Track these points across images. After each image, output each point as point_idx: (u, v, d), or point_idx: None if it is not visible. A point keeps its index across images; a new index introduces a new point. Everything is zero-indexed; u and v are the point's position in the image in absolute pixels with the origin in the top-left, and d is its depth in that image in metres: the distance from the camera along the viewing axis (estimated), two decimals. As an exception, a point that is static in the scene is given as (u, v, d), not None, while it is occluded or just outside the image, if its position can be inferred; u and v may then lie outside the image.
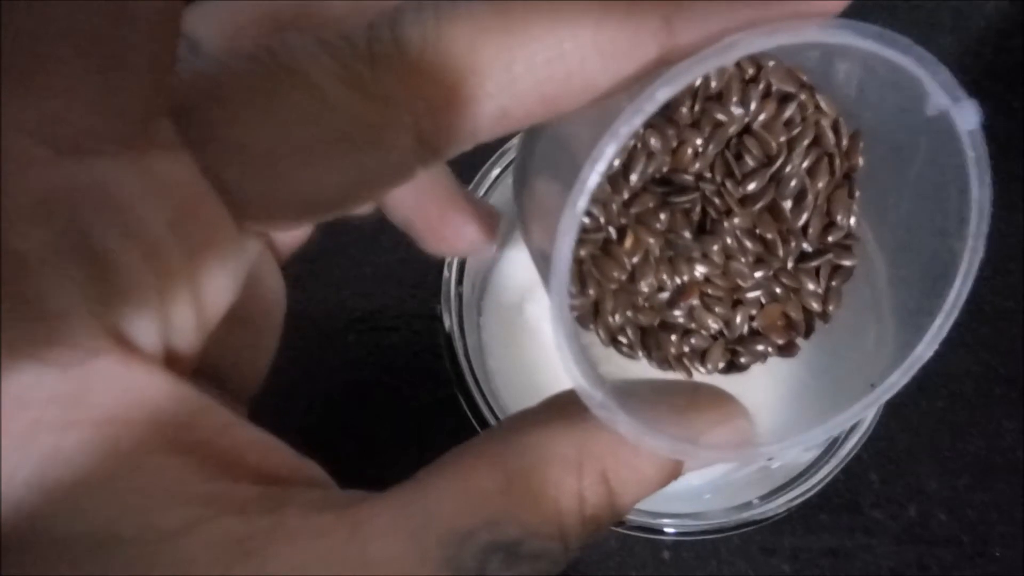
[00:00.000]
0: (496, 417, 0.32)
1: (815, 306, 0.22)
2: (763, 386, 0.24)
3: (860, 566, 0.38)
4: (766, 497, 0.31)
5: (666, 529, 0.31)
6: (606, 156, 0.15)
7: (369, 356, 0.41)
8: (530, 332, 0.36)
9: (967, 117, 0.17)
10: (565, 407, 0.18)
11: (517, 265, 0.38)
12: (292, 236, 0.23)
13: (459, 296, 0.34)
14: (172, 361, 0.16)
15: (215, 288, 0.17)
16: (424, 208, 0.24)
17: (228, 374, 0.20)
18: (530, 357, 0.35)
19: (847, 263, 0.22)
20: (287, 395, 0.39)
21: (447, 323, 0.33)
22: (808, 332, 0.22)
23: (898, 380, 0.18)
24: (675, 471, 0.18)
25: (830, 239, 0.22)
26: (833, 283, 0.22)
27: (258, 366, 0.22)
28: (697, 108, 0.22)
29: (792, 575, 0.38)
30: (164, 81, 0.15)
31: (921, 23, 0.46)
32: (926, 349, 0.18)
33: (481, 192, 0.34)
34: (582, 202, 0.16)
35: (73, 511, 0.14)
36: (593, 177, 0.15)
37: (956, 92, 0.17)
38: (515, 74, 0.16)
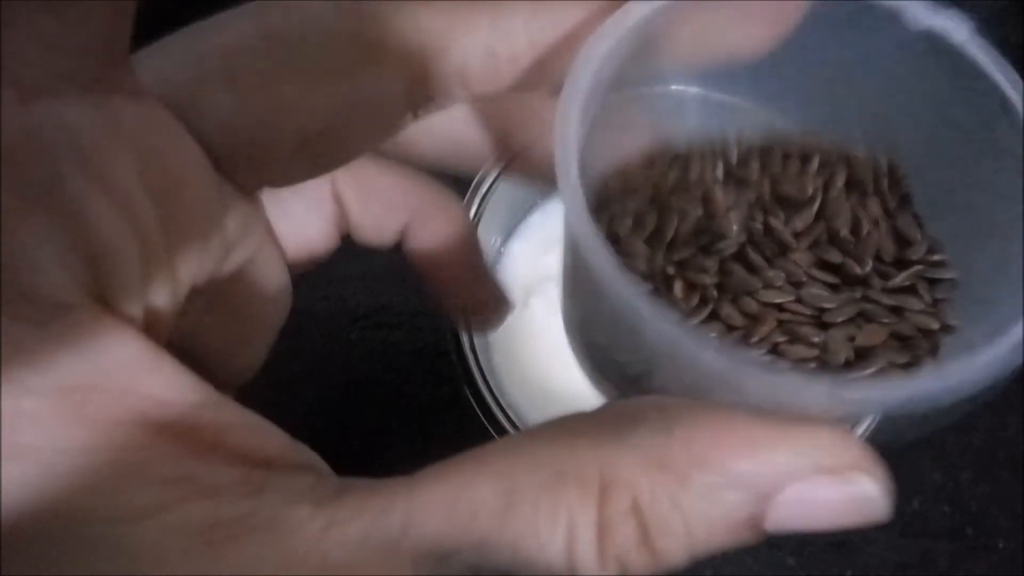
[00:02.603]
0: (503, 411, 0.32)
1: (930, 324, 0.19)
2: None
3: (865, 559, 0.38)
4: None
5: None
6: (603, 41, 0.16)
7: (372, 354, 0.41)
8: (536, 327, 0.36)
9: (956, 26, 0.17)
10: (595, 420, 0.15)
11: (522, 260, 0.38)
12: (312, 241, 0.23)
13: (466, 289, 0.34)
14: (148, 325, 0.15)
15: (188, 244, 0.16)
16: (450, 268, 0.24)
17: (213, 361, 0.19)
18: (536, 352, 0.35)
19: (945, 276, 0.19)
20: (289, 392, 0.39)
21: (454, 316, 0.33)
22: (934, 348, 0.19)
23: None
24: (747, 514, 0.14)
25: (912, 256, 0.20)
26: (938, 296, 0.19)
27: (247, 358, 0.21)
28: (720, 174, 0.21)
29: (797, 569, 0.38)
30: (125, 25, 0.15)
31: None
32: None
33: (480, 194, 0.34)
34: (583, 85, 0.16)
35: (31, 482, 0.13)
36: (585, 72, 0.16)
37: (935, 7, 0.17)
38: (504, 12, 0.17)
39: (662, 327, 0.14)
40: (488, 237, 0.37)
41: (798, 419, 0.15)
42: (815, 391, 0.15)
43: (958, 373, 0.15)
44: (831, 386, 0.15)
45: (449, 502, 0.14)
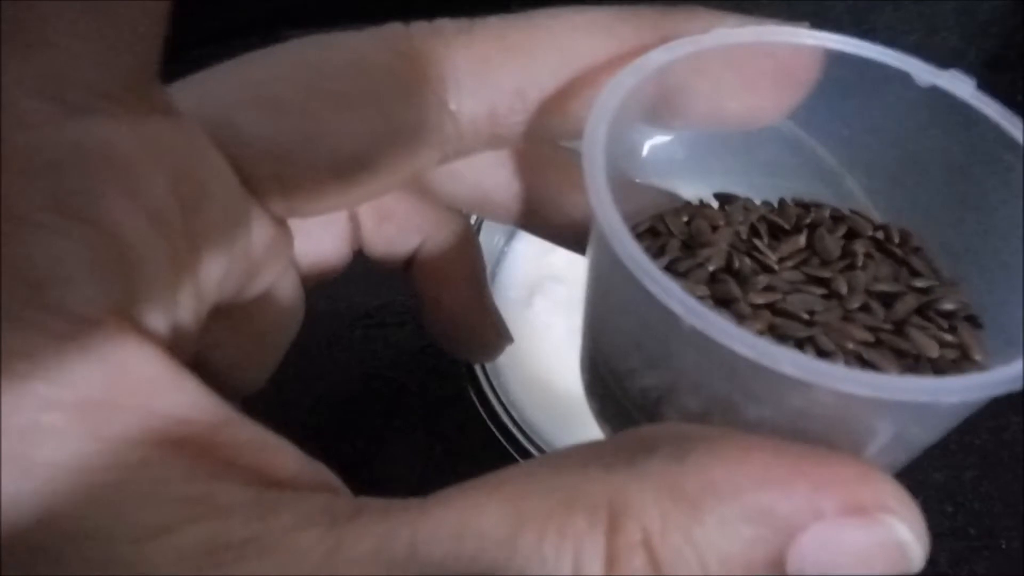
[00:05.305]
0: (506, 409, 0.32)
1: (945, 352, 0.18)
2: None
3: (867, 559, 0.38)
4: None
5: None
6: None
7: (375, 352, 0.41)
8: (539, 326, 0.36)
9: (960, 80, 0.18)
10: (609, 448, 0.15)
11: (525, 259, 0.38)
12: (326, 257, 0.23)
13: (469, 288, 0.34)
14: (173, 341, 0.15)
15: (214, 264, 0.16)
16: (454, 294, 0.25)
17: (223, 374, 0.19)
18: (539, 350, 0.35)
19: (948, 307, 0.18)
20: (293, 392, 0.39)
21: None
22: (960, 366, 0.18)
23: None
24: (765, 552, 0.13)
25: (918, 284, 0.19)
26: (957, 325, 0.18)
27: (257, 372, 0.21)
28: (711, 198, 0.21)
29: (798, 568, 0.38)
30: (157, 44, 0.15)
31: (925, 17, 0.46)
32: None
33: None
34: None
35: (43, 496, 0.13)
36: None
37: (936, 68, 0.18)
38: (534, 55, 0.18)
39: (700, 313, 0.14)
40: (491, 236, 0.37)
41: (824, 452, 0.14)
42: (856, 380, 0.14)
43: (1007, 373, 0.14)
44: (863, 376, 0.14)
45: (457, 526, 0.13)
